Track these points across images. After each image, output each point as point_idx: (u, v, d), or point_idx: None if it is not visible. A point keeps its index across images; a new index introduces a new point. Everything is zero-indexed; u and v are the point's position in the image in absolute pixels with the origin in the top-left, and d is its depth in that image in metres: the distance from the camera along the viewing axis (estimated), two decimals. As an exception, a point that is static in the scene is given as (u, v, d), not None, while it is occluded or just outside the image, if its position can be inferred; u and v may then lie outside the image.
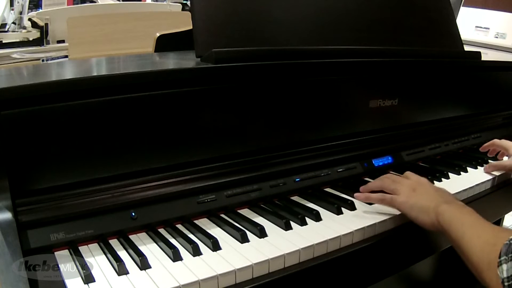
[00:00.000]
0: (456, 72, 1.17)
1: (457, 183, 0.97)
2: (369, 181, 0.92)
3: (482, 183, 0.99)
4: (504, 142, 1.08)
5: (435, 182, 0.96)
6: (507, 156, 1.08)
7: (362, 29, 1.04)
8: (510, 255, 0.61)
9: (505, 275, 0.60)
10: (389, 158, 1.02)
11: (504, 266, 0.61)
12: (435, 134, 1.13)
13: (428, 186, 0.83)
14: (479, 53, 1.21)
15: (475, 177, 1.01)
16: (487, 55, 1.64)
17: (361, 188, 0.88)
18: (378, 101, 1.00)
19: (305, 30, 0.97)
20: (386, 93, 1.01)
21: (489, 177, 1.01)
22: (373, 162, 0.99)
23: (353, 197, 0.87)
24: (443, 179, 0.98)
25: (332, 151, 0.94)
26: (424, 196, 0.79)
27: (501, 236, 0.64)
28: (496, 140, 1.10)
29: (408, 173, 0.88)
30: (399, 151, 1.04)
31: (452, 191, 0.91)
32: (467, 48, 1.28)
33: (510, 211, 1.27)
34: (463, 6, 2.22)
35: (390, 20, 1.10)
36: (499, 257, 0.62)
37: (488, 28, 2.11)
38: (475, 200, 0.95)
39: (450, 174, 1.01)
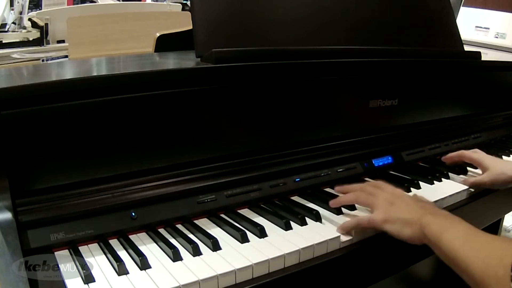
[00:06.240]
0: (456, 72, 1.17)
1: (457, 183, 0.97)
2: (369, 181, 0.92)
3: (482, 183, 0.98)
4: (474, 155, 1.00)
5: (435, 182, 0.96)
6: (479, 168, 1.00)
7: (362, 29, 1.04)
8: None
9: None
10: (389, 158, 1.02)
11: None
12: (435, 134, 1.13)
13: (405, 198, 0.77)
14: (479, 53, 1.21)
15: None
16: (487, 55, 1.64)
17: (331, 203, 0.81)
18: (378, 101, 1.00)
19: (305, 30, 0.97)
20: (386, 93, 1.01)
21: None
22: (373, 162, 0.99)
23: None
24: (443, 179, 0.98)
25: (332, 151, 0.94)
26: (404, 208, 0.74)
27: (506, 247, 0.59)
28: (464, 152, 1.02)
29: (381, 183, 0.82)
30: (399, 151, 1.04)
31: (452, 191, 0.92)
32: (467, 48, 1.28)
33: (510, 211, 1.27)
34: (463, 6, 2.22)
35: (390, 20, 1.10)
36: None
37: (488, 28, 2.11)
38: (475, 200, 0.95)
39: (450, 174, 1.00)
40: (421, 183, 0.94)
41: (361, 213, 0.81)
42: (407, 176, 0.97)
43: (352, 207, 0.82)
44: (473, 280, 0.61)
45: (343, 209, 0.82)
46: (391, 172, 1.00)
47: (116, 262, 0.63)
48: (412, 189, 0.92)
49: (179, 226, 0.74)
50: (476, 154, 1.01)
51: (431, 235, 0.68)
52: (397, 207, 0.74)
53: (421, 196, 0.81)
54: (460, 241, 0.64)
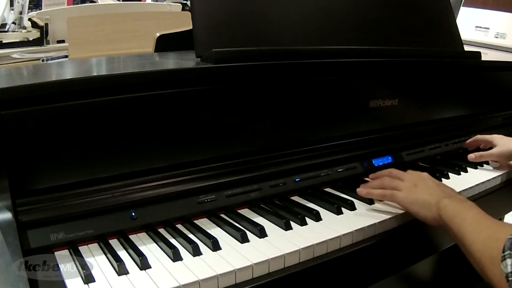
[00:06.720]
0: (456, 72, 1.17)
1: (457, 183, 0.96)
2: (369, 181, 0.92)
3: (482, 183, 0.99)
4: (487, 136, 1.11)
5: (435, 182, 0.96)
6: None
7: (362, 29, 1.04)
8: None
9: (509, 270, 0.59)
10: (389, 158, 1.02)
11: (509, 261, 0.60)
12: (435, 134, 1.13)
13: (429, 181, 0.83)
14: (479, 53, 1.22)
15: (475, 177, 1.01)
16: (487, 55, 1.64)
17: (361, 188, 0.87)
18: (378, 101, 1.00)
19: (306, 30, 0.97)
20: (386, 93, 1.01)
21: (489, 177, 1.01)
22: (373, 162, 0.99)
23: (353, 197, 0.87)
24: (443, 179, 0.98)
25: (332, 151, 0.94)
26: (426, 190, 0.79)
27: (504, 231, 0.63)
28: (479, 136, 1.13)
29: (409, 170, 0.88)
30: (399, 151, 1.04)
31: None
32: (467, 48, 1.29)
33: (510, 211, 1.27)
34: (463, 6, 2.22)
35: (390, 20, 1.10)
36: (503, 252, 0.61)
37: (488, 28, 2.11)
38: (475, 201, 0.94)
39: (450, 174, 1.01)
40: (421, 183, 0.94)
41: (360, 213, 0.81)
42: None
43: (352, 207, 0.83)
44: (473, 259, 0.68)
45: (343, 209, 0.82)
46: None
47: (116, 262, 0.63)
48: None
49: (179, 226, 0.74)
50: (489, 135, 1.12)
51: (445, 217, 0.73)
52: (420, 188, 0.80)
53: (443, 183, 0.86)
54: (467, 223, 0.70)
